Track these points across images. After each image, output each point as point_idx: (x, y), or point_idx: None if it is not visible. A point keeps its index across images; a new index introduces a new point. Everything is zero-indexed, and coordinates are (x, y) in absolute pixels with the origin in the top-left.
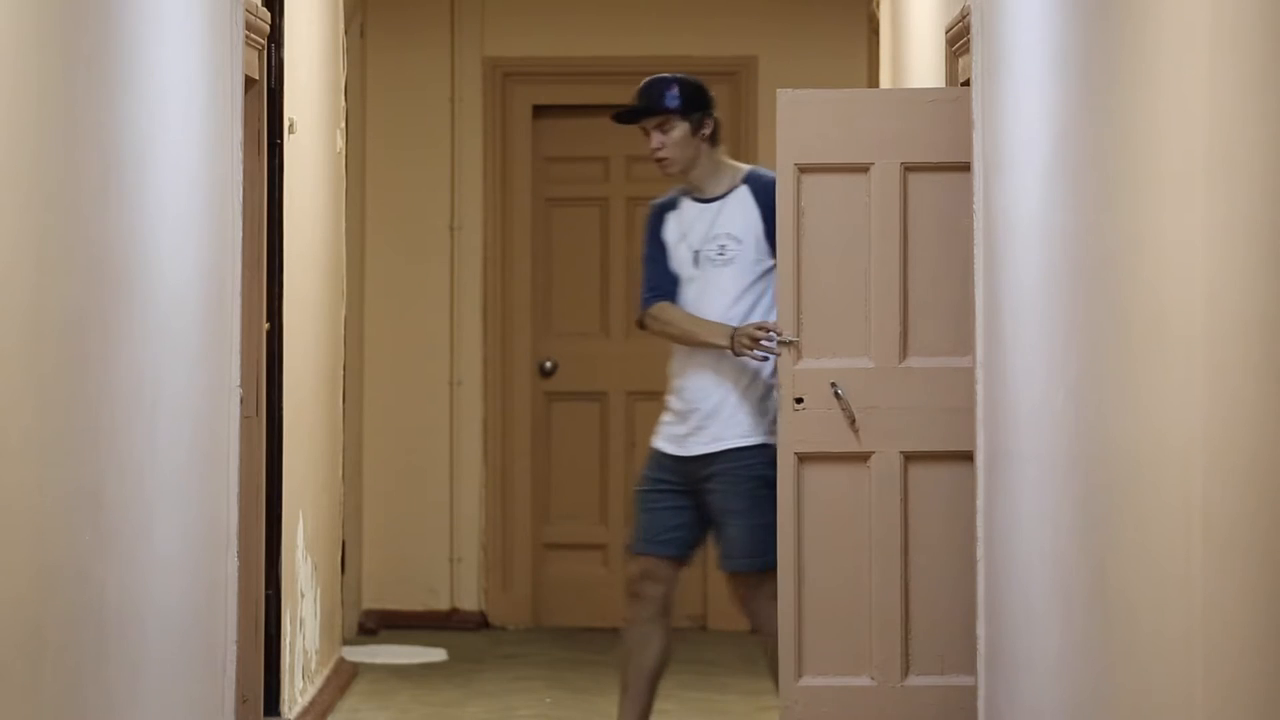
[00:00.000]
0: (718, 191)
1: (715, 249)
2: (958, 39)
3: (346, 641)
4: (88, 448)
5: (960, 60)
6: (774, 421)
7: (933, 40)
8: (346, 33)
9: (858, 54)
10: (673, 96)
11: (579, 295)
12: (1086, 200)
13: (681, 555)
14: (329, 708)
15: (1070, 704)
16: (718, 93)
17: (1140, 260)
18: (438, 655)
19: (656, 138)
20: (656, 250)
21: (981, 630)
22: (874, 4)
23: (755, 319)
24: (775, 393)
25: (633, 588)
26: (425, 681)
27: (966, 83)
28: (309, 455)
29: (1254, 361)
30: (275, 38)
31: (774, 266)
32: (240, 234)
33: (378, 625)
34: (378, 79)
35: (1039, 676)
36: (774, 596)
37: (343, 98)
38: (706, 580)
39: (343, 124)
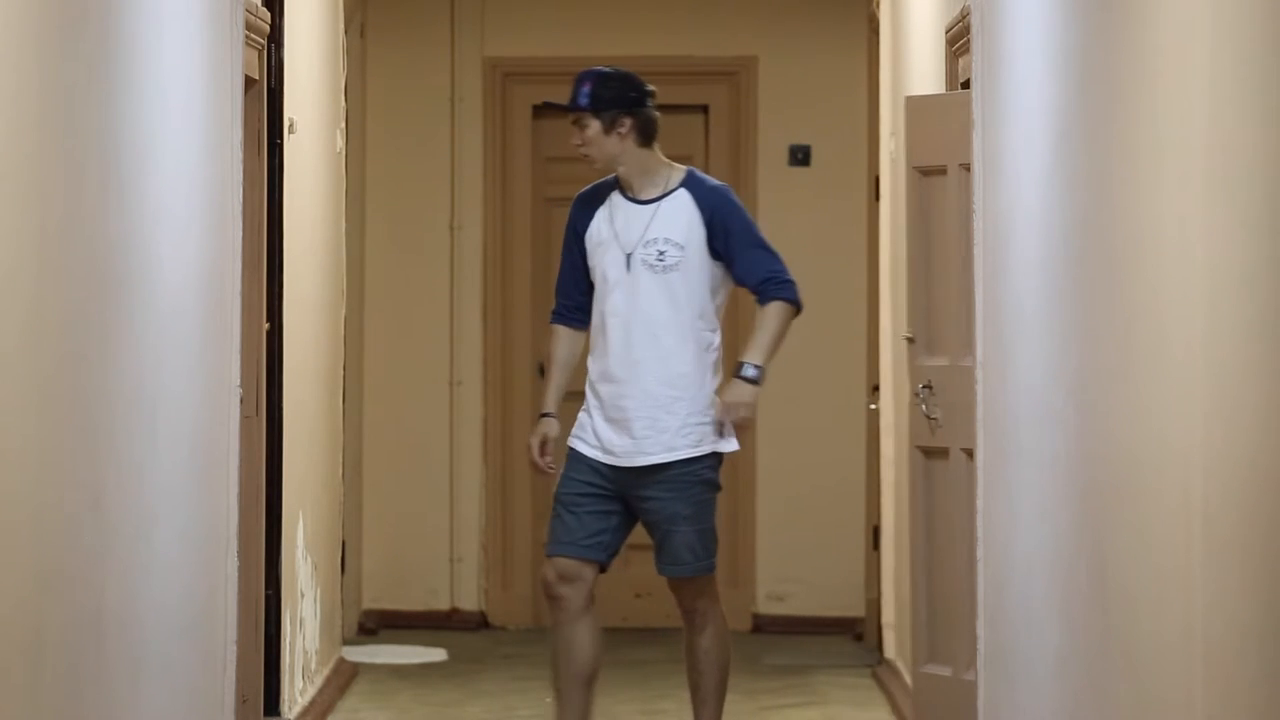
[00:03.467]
0: (654, 193)
1: (654, 254)
2: (958, 39)
3: (346, 641)
4: (88, 448)
5: (960, 60)
6: (720, 425)
7: (933, 40)
8: (346, 33)
9: (858, 54)
10: (584, 94)
11: None
12: (1086, 200)
13: (605, 560)
14: (329, 708)
15: (1070, 704)
16: (717, 92)
17: (1140, 259)
18: (438, 655)
19: (576, 134)
20: (572, 247)
21: (981, 630)
22: (874, 4)
23: (698, 336)
24: (712, 398)
25: (551, 591)
26: (425, 681)
27: (966, 83)
28: (309, 455)
29: (1254, 362)
30: (275, 38)
31: (725, 282)
32: (240, 234)
33: (378, 625)
34: (378, 79)
35: (1039, 676)
36: (717, 599)
37: (343, 98)
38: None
39: (343, 124)
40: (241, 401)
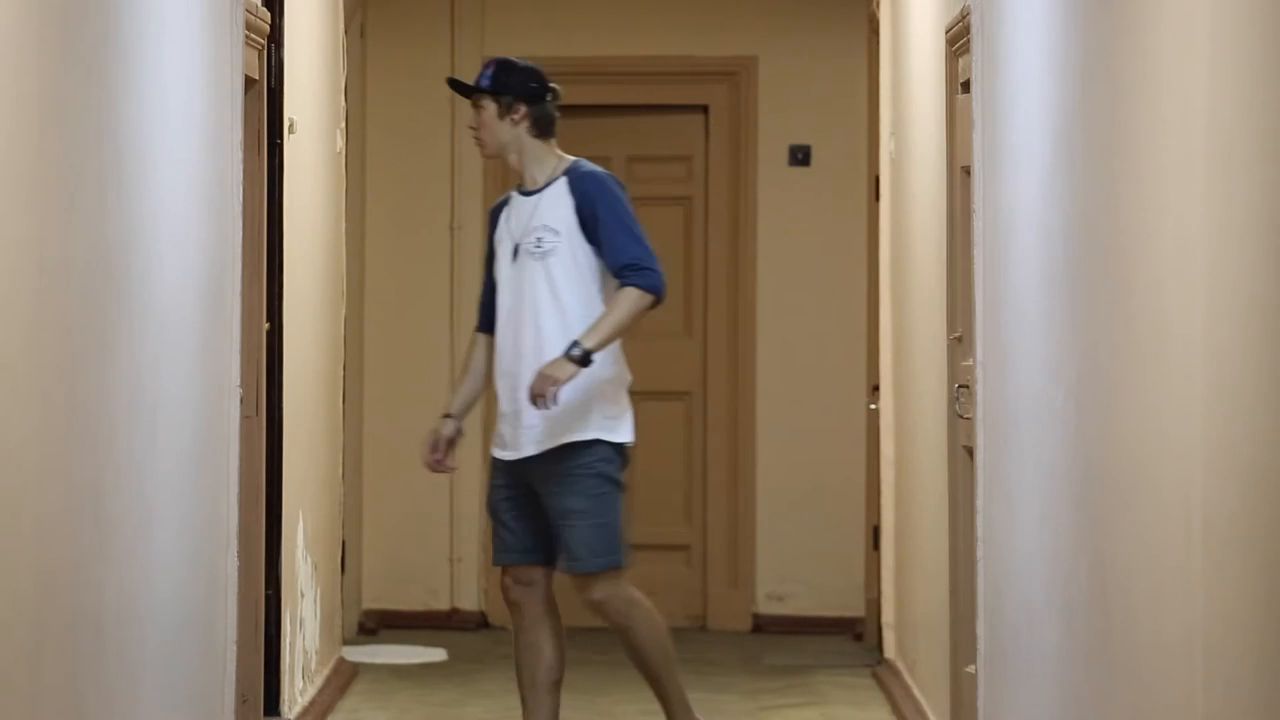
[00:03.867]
0: (540, 184)
1: (533, 241)
2: (958, 39)
3: (346, 641)
4: (88, 448)
5: (960, 60)
6: (609, 417)
7: (933, 40)
8: (346, 33)
9: (858, 54)
10: (486, 76)
11: None
12: (1086, 200)
13: (549, 560)
14: (329, 708)
15: (1070, 704)
16: (717, 92)
17: (1140, 260)
18: (438, 655)
19: (473, 115)
20: (488, 256)
21: (981, 630)
22: (874, 4)
23: (581, 317)
24: (608, 387)
25: (509, 596)
26: (425, 681)
27: (966, 83)
28: (309, 455)
29: (1254, 361)
30: (275, 38)
31: (603, 264)
32: (240, 234)
33: (378, 625)
34: (378, 79)
35: (1039, 676)
36: (628, 594)
37: (343, 98)
38: (706, 580)
39: (343, 124)
40: (241, 401)
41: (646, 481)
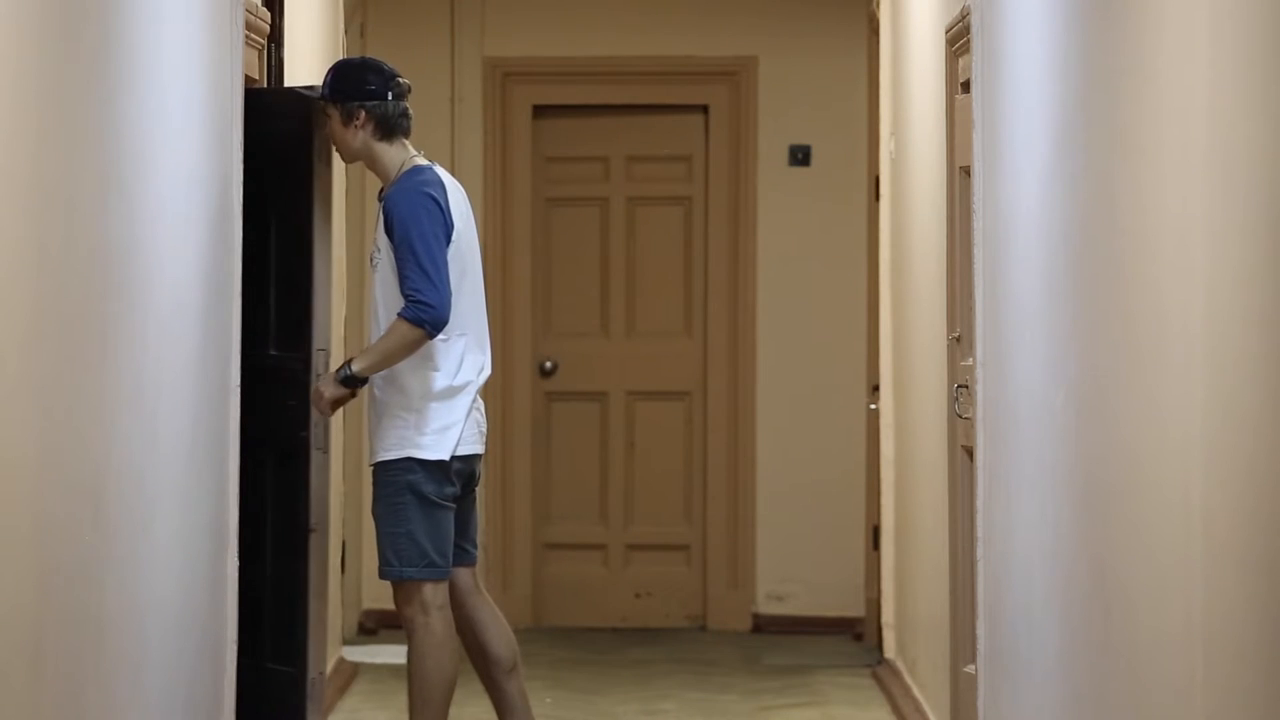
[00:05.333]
0: (385, 191)
1: (370, 254)
2: (958, 39)
3: (346, 641)
4: (88, 448)
5: (960, 60)
6: (424, 434)
7: (933, 40)
8: (346, 33)
9: (858, 54)
10: (326, 84)
11: (579, 295)
12: (1086, 200)
13: (455, 565)
14: (329, 708)
15: (1070, 704)
16: (717, 92)
17: (1140, 260)
18: None
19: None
20: None
21: (982, 630)
22: (874, 4)
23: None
24: (434, 404)
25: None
26: None
27: (966, 83)
28: None
29: (1254, 361)
30: (275, 38)
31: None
32: (240, 234)
33: (378, 625)
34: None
35: (1039, 676)
36: (425, 611)
37: None
38: (706, 580)
39: None
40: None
41: (646, 481)
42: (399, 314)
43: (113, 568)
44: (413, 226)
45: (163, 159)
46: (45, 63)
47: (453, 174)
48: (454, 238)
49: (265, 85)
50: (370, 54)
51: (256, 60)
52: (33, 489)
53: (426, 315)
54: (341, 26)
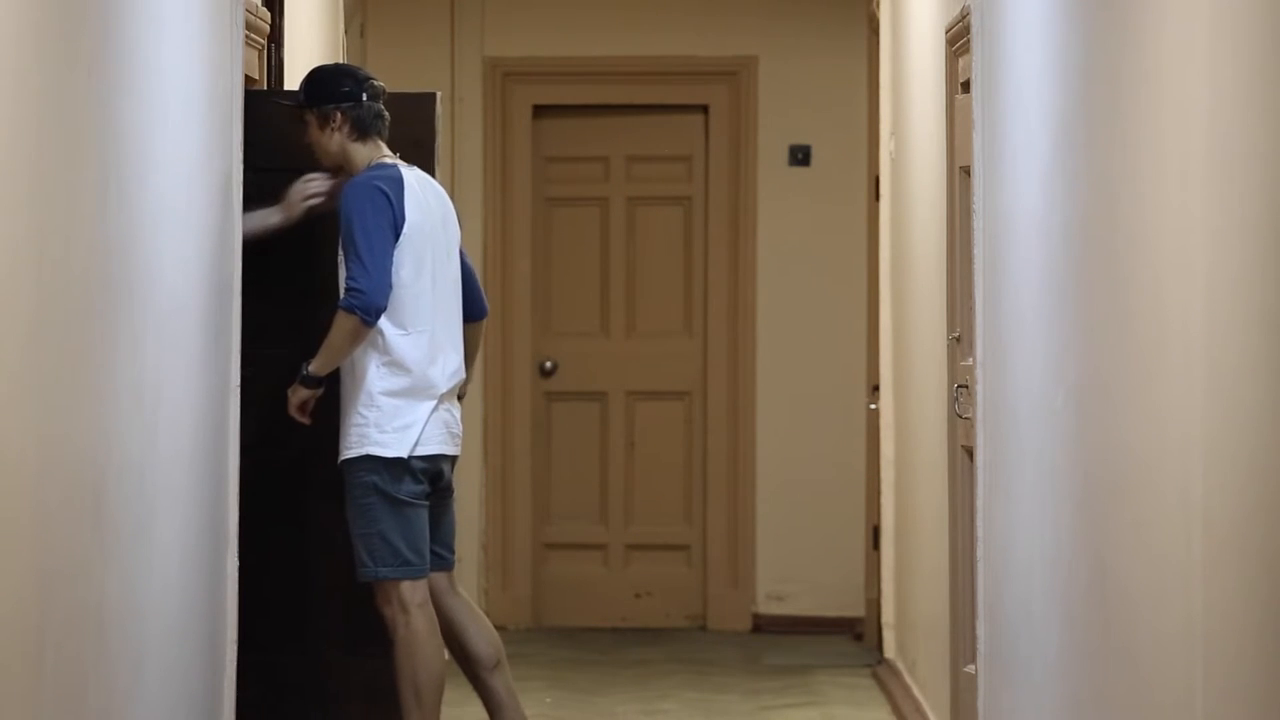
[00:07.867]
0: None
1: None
2: (958, 39)
3: None
4: (88, 448)
5: (960, 60)
6: (384, 432)
7: (933, 40)
8: (346, 33)
9: (858, 54)
10: (301, 91)
11: (579, 295)
12: (1086, 200)
13: (432, 568)
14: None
15: (1070, 704)
16: (717, 92)
17: (1140, 260)
18: None
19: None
20: None
21: (982, 630)
22: (874, 4)
23: (375, 333)
24: (394, 402)
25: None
26: None
27: (966, 83)
28: None
29: (1254, 361)
30: (275, 38)
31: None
32: (240, 234)
33: None
34: (377, 79)
35: (1039, 676)
36: (405, 610)
37: None
38: (706, 580)
39: None
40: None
41: (646, 481)
42: (339, 305)
43: (113, 568)
44: (355, 218)
45: (163, 159)
46: (45, 63)
47: (453, 174)
48: (406, 231)
49: (265, 85)
50: (370, 54)
51: (256, 60)
52: (33, 489)
53: (357, 301)
54: (341, 26)
